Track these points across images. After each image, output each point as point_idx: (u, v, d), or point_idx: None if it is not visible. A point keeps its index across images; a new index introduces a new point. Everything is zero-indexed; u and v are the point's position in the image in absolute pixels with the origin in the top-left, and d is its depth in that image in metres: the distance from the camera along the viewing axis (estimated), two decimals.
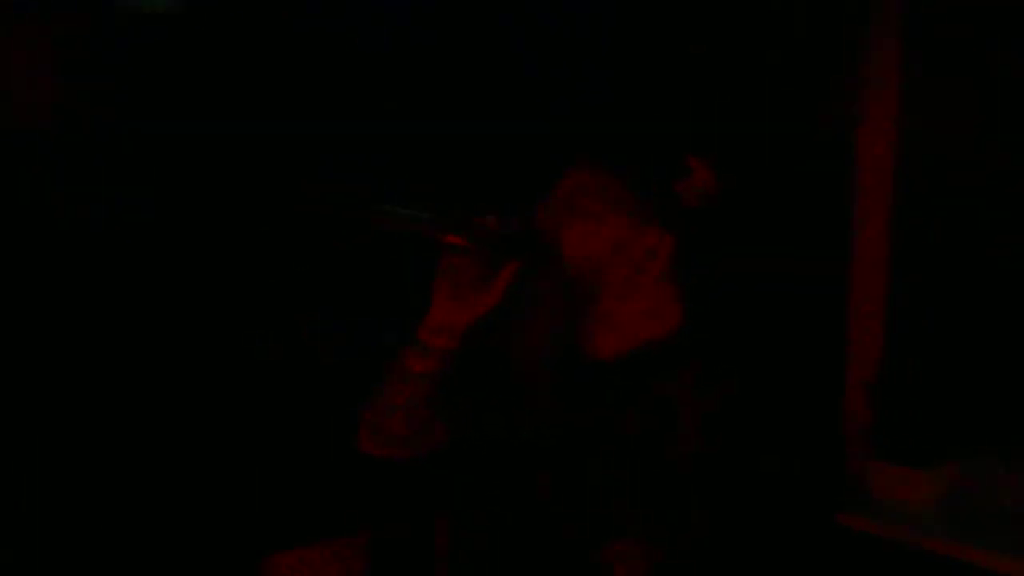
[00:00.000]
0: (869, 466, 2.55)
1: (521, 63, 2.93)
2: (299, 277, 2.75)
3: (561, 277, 1.38)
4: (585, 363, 1.44)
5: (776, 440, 1.32)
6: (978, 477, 2.44)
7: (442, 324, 1.39)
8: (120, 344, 2.48)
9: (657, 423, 1.31)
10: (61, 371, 2.43)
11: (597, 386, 1.40)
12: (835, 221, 2.67)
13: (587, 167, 1.41)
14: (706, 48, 2.82)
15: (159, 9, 2.58)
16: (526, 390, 1.49)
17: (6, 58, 2.40)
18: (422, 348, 1.41)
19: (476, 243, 1.33)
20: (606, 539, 1.29)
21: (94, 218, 2.45)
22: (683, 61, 2.86)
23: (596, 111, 2.83)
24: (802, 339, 2.65)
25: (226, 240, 2.66)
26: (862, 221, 2.66)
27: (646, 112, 2.82)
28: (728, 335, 1.44)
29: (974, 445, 2.47)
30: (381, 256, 2.72)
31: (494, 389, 1.52)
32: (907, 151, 2.59)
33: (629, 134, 1.55)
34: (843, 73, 2.64)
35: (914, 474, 2.48)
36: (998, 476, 2.42)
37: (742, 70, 2.77)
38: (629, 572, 1.28)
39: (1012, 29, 2.40)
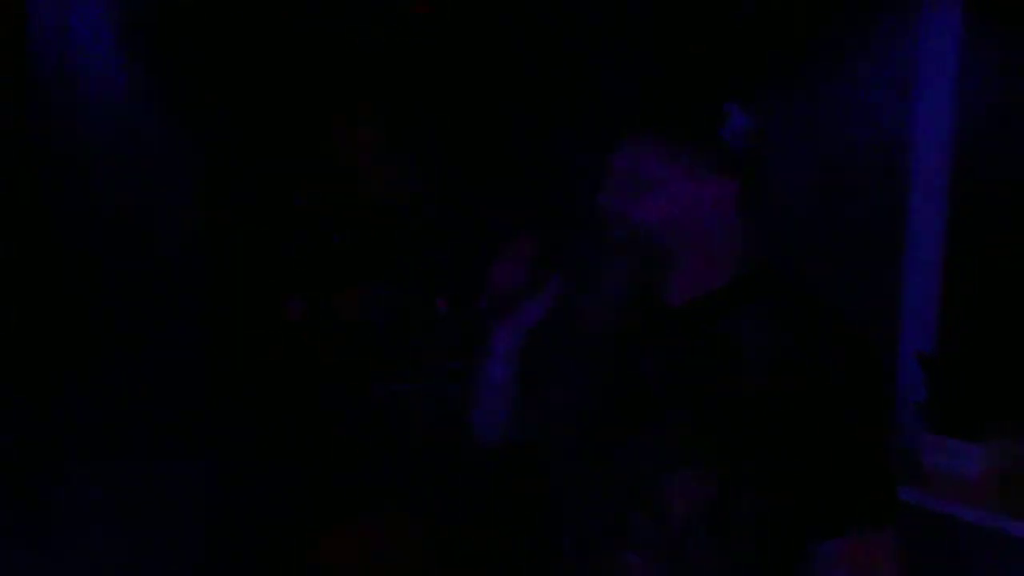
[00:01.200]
0: (922, 439, 2.53)
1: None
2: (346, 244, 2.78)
3: (635, 243, 1.43)
4: (657, 311, 1.48)
5: (841, 379, 1.33)
6: None
7: (507, 333, 1.57)
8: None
9: (725, 360, 1.36)
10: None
11: (670, 331, 1.45)
12: (892, 188, 2.64)
13: (637, 138, 1.43)
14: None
15: None
16: (597, 344, 1.53)
17: None
18: (496, 356, 1.58)
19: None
20: (670, 470, 1.34)
21: None
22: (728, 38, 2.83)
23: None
24: (855, 309, 2.63)
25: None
26: (920, 187, 2.63)
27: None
28: (791, 281, 1.47)
29: None
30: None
31: (565, 350, 1.58)
32: (966, 114, 2.55)
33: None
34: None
35: (968, 448, 2.45)
36: None
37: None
38: (686, 503, 1.32)
39: None
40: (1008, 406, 2.47)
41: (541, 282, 1.49)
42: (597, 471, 1.44)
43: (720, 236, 1.44)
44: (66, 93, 2.53)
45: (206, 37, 2.71)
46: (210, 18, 2.70)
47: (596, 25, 2.96)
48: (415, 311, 2.73)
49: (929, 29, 2.55)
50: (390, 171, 2.76)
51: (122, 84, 2.60)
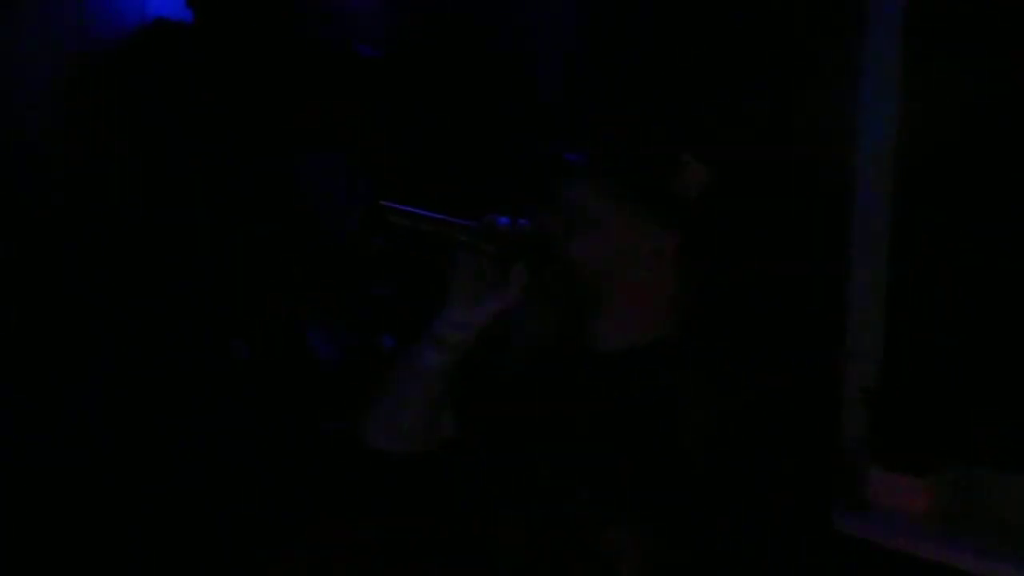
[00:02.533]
0: (867, 474, 2.54)
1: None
2: (298, 276, 2.76)
3: (568, 277, 1.42)
4: (588, 356, 1.48)
5: (776, 438, 1.37)
6: (977, 485, 2.43)
7: (459, 319, 1.42)
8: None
9: (661, 415, 1.36)
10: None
11: (601, 378, 1.44)
12: (835, 224, 2.66)
13: (584, 177, 1.45)
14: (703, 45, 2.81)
15: None
16: (528, 383, 1.52)
17: None
18: (438, 341, 1.44)
19: (486, 243, 1.38)
20: (605, 527, 1.33)
21: None
22: (680, 58, 2.85)
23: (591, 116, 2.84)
24: (800, 344, 2.64)
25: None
26: (862, 224, 2.65)
27: (643, 108, 2.82)
28: (730, 335, 1.50)
29: (972, 453, 2.46)
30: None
31: (496, 382, 1.55)
32: (908, 151, 2.58)
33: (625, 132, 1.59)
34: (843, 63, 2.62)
35: (912, 482, 2.46)
36: (996, 484, 2.40)
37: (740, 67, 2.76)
38: (628, 563, 1.32)
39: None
40: (952, 440, 2.49)
41: (503, 274, 1.39)
42: (533, 516, 1.42)
43: (654, 287, 1.45)
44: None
45: (148, 79, 2.70)
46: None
47: (553, 55, 2.98)
48: (361, 349, 2.71)
49: (871, 57, 2.59)
50: (332, 207, 2.75)
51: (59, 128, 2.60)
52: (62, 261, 2.57)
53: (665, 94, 2.77)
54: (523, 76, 2.99)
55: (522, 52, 3.01)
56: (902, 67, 2.57)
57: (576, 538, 1.36)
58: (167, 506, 2.57)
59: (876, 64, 2.59)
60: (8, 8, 2.50)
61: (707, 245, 1.48)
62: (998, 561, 2.22)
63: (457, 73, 3.02)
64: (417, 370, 1.48)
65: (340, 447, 2.60)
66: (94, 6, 2.65)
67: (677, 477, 1.32)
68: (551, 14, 2.98)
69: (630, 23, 2.87)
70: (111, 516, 2.51)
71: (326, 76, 2.85)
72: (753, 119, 2.67)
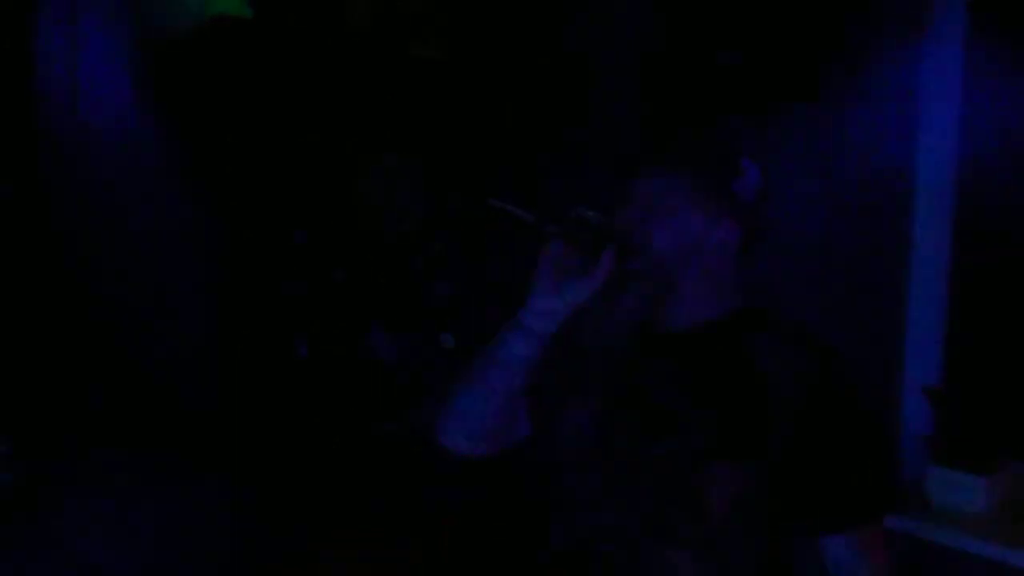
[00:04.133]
0: (927, 472, 2.53)
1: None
2: (360, 276, 2.79)
3: (643, 267, 1.52)
4: (660, 335, 1.59)
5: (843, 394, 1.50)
6: None
7: (545, 308, 1.50)
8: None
9: (741, 374, 1.49)
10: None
11: (682, 351, 1.55)
12: (896, 221, 2.65)
13: (661, 170, 1.57)
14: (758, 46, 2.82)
15: None
16: (606, 369, 1.61)
17: None
18: (526, 331, 1.52)
19: (576, 234, 1.47)
20: (703, 467, 1.45)
21: None
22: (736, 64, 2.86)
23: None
24: (859, 342, 2.64)
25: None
26: (923, 220, 2.64)
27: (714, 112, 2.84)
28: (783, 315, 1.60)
29: None
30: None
31: (571, 374, 1.63)
32: (969, 146, 2.57)
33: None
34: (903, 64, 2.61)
35: (973, 480, 2.45)
36: None
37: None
38: (720, 494, 1.44)
39: None
40: (1013, 439, 2.47)
41: (591, 265, 1.47)
42: (624, 474, 1.52)
43: (719, 274, 1.57)
44: (76, 134, 2.57)
45: (211, 76, 2.74)
46: (213, 58, 2.74)
47: (616, 61, 3.01)
48: (421, 348, 2.74)
49: (931, 60, 2.57)
50: (394, 206, 2.78)
51: (130, 126, 2.64)
52: (122, 253, 2.61)
53: (734, 101, 2.79)
54: (592, 77, 3.02)
55: (593, 53, 3.03)
56: (962, 73, 2.56)
57: (671, 475, 1.47)
58: (217, 500, 2.61)
59: (936, 65, 2.58)
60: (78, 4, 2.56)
61: (763, 243, 1.59)
62: None
63: (527, 75, 3.04)
64: (502, 361, 1.55)
65: (393, 449, 2.64)
66: (158, 2, 2.70)
67: (763, 429, 1.44)
68: (625, 16, 3.00)
69: (702, 30, 2.89)
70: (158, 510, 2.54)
71: (387, 77, 2.89)
72: (815, 111, 2.68)
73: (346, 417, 2.74)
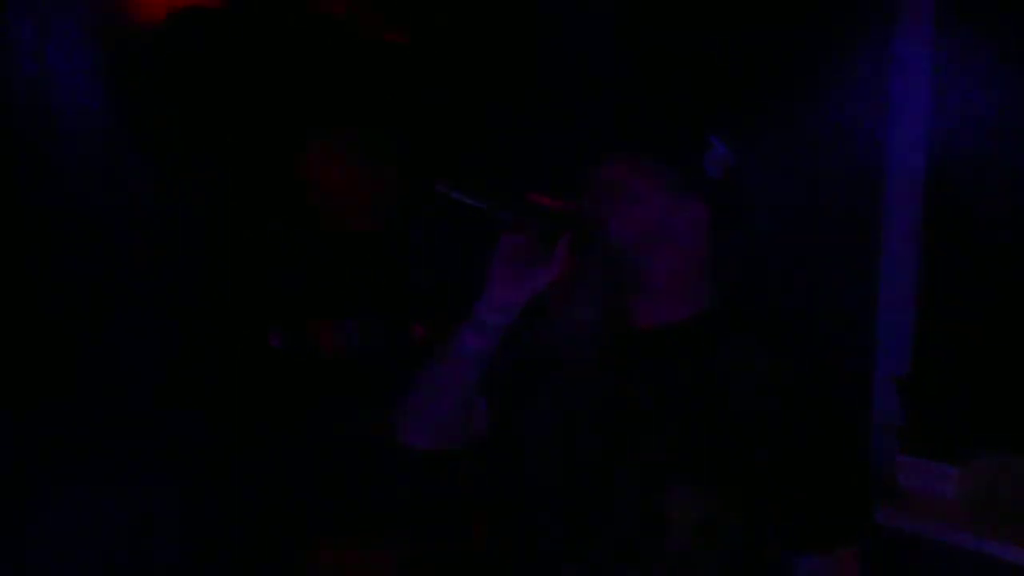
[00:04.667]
0: (897, 461, 2.55)
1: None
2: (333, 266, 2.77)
3: (608, 255, 1.43)
4: (628, 335, 1.51)
5: (819, 405, 1.42)
6: (1007, 472, 2.43)
7: (502, 301, 1.44)
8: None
9: (711, 382, 1.41)
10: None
11: (649, 354, 1.48)
12: (865, 212, 2.66)
13: (624, 152, 1.47)
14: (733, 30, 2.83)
15: None
16: (572, 366, 1.54)
17: None
18: (479, 324, 1.46)
19: (531, 222, 1.40)
20: (666, 486, 1.37)
21: None
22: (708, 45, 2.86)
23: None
24: (830, 332, 2.65)
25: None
26: (893, 210, 2.65)
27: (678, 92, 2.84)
28: (762, 314, 1.54)
29: (1003, 440, 2.46)
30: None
31: (535, 370, 1.58)
32: (939, 138, 2.58)
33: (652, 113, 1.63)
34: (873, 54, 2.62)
35: (944, 469, 2.47)
36: None
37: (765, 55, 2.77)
38: (682, 518, 1.36)
39: None
40: (983, 427, 2.49)
41: (547, 251, 1.40)
42: (587, 491, 1.45)
43: (691, 261, 1.48)
44: (41, 124, 2.54)
45: (179, 64, 2.72)
46: (184, 45, 2.71)
47: (583, 45, 3.00)
48: (393, 339, 2.73)
49: (902, 52, 2.59)
50: (366, 194, 2.76)
51: (95, 111, 2.61)
52: (92, 246, 2.59)
53: (699, 79, 2.79)
54: (559, 63, 3.01)
55: (557, 39, 3.02)
56: (934, 50, 2.57)
57: (633, 495, 1.40)
58: (198, 495, 2.60)
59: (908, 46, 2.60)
60: None
61: (736, 219, 1.51)
62: None
63: (488, 59, 3.03)
64: (454, 356, 1.49)
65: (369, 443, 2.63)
66: None
67: (731, 444, 1.36)
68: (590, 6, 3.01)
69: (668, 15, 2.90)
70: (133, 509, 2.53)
71: (357, 62, 2.87)
72: (786, 101, 2.69)
73: (321, 409, 2.72)
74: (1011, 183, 2.46)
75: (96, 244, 2.62)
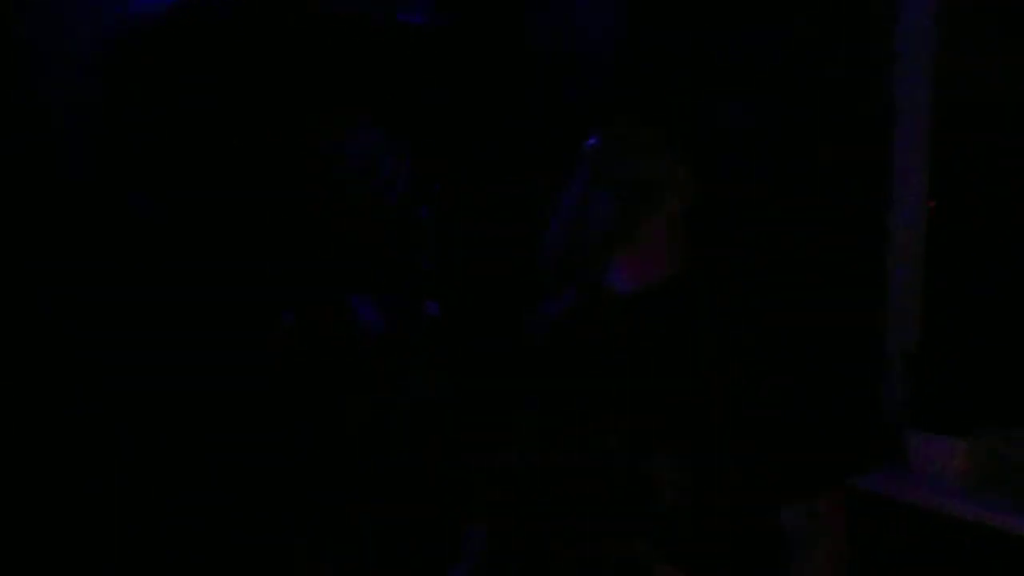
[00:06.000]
0: (908, 435, 2.56)
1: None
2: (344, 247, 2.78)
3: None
4: (605, 298, 1.60)
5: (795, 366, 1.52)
6: (1017, 447, 2.44)
7: None
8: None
9: (679, 352, 1.49)
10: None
11: (620, 316, 1.56)
12: (874, 189, 2.66)
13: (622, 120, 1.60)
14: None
15: None
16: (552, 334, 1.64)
17: None
18: None
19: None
20: (647, 457, 1.43)
21: None
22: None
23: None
24: (840, 308, 2.66)
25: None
26: (901, 188, 2.65)
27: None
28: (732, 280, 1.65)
29: (1011, 415, 2.47)
30: None
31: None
32: (948, 116, 2.58)
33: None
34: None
35: (951, 443, 2.48)
36: None
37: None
38: (672, 489, 1.43)
39: None
40: (991, 402, 2.50)
41: None
42: (571, 460, 1.52)
43: (664, 245, 1.57)
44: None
45: (191, 43, 2.72)
46: (195, 24, 2.71)
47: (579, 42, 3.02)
48: (407, 316, 2.73)
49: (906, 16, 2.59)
50: (378, 175, 2.77)
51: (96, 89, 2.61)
52: (97, 236, 2.60)
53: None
54: (555, 61, 3.02)
55: (556, 40, 3.03)
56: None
57: (619, 468, 1.46)
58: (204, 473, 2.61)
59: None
60: None
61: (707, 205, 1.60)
62: None
63: (493, 51, 3.04)
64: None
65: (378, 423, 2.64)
66: None
67: (703, 407, 1.43)
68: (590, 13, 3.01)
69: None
70: (136, 500, 2.54)
71: (369, 45, 2.87)
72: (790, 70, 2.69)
73: (337, 388, 2.72)
74: (1019, 162, 2.46)
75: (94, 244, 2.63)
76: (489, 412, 1.75)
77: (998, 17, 2.47)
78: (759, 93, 2.74)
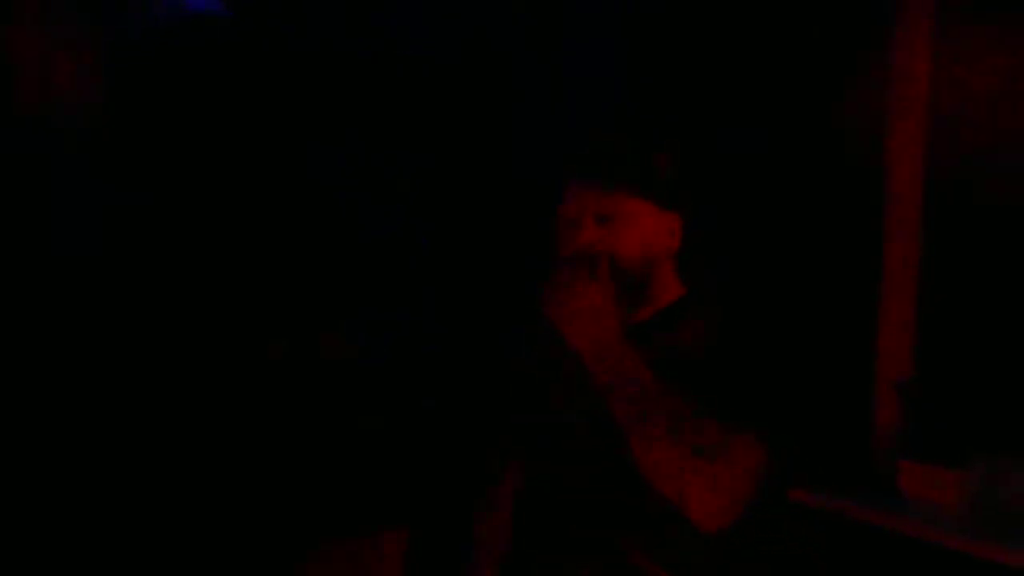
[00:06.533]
0: (898, 465, 2.55)
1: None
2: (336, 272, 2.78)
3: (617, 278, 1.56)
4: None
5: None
6: (1007, 476, 2.43)
7: None
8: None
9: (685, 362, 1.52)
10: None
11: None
12: (866, 217, 2.67)
13: (597, 183, 1.61)
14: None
15: None
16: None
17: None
18: None
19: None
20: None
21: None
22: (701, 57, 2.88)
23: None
24: (831, 336, 2.66)
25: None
26: (893, 217, 2.66)
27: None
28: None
29: (1003, 444, 2.47)
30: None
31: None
32: (939, 144, 2.59)
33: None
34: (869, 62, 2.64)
35: (943, 473, 2.48)
36: None
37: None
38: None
39: None
40: (982, 431, 2.49)
41: None
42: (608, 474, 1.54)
43: (671, 261, 1.65)
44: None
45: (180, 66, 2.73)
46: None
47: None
48: (401, 336, 2.73)
49: (900, 48, 2.60)
50: (371, 200, 2.77)
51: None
52: (88, 257, 2.59)
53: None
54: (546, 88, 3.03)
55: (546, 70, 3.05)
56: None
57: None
58: (189, 508, 2.59)
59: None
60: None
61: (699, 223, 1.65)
62: None
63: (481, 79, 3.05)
64: None
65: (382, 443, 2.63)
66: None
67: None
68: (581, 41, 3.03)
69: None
70: (124, 516, 2.53)
71: (358, 73, 2.88)
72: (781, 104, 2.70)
73: (330, 413, 2.72)
74: (1013, 185, 2.47)
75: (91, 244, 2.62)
76: None
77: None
78: (757, 119, 2.75)
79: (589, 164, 1.62)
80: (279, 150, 2.73)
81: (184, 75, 2.73)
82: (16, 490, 2.39)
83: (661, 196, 1.60)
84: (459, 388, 2.33)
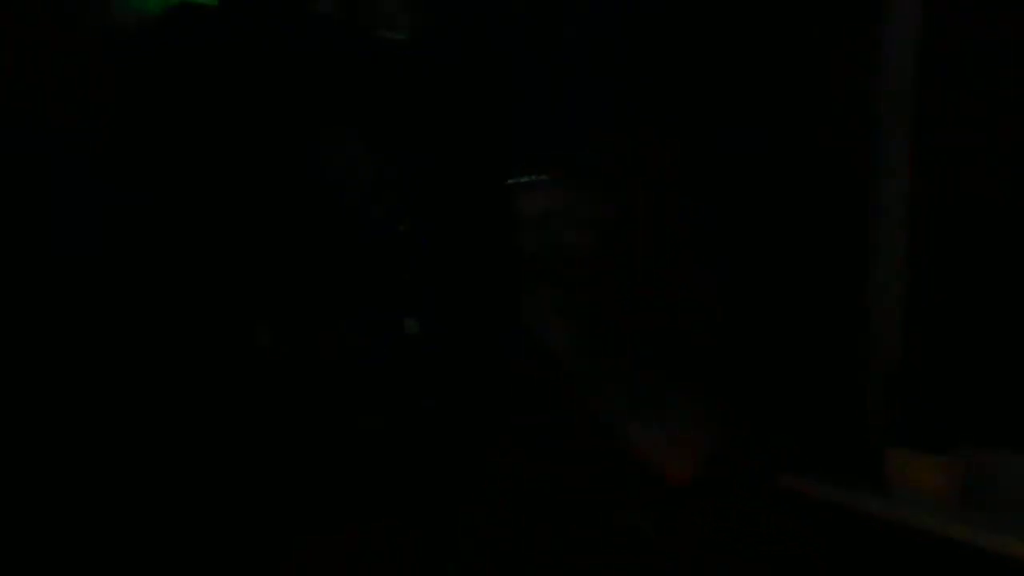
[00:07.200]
0: (887, 453, 2.61)
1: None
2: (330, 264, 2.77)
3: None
4: None
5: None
6: (996, 464, 2.49)
7: None
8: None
9: None
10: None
11: None
12: (856, 210, 2.72)
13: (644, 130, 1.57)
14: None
15: None
16: None
17: None
18: None
19: None
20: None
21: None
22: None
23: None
24: (822, 325, 2.70)
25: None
26: (882, 208, 2.70)
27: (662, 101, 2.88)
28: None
29: (992, 432, 2.52)
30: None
31: None
32: (928, 134, 2.63)
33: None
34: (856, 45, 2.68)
35: (932, 461, 2.53)
36: (1016, 463, 2.46)
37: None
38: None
39: None
40: (970, 420, 2.54)
41: None
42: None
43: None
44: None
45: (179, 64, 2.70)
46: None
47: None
48: (385, 334, 2.73)
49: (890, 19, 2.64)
50: (371, 200, 2.77)
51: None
52: (80, 251, 2.56)
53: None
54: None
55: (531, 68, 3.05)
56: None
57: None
58: (178, 503, 2.58)
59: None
60: None
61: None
62: (1014, 539, 2.27)
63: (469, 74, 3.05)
64: None
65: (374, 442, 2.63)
66: None
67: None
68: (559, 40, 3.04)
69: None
70: (117, 514, 2.51)
71: (350, 61, 2.86)
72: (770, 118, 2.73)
73: (319, 412, 2.71)
74: (1003, 179, 2.50)
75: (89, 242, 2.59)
76: None
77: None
78: (757, 119, 2.77)
79: (589, 163, 1.62)
80: (279, 150, 2.72)
81: (185, 75, 2.71)
82: (16, 490, 2.37)
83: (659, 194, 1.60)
84: (459, 388, 2.34)
